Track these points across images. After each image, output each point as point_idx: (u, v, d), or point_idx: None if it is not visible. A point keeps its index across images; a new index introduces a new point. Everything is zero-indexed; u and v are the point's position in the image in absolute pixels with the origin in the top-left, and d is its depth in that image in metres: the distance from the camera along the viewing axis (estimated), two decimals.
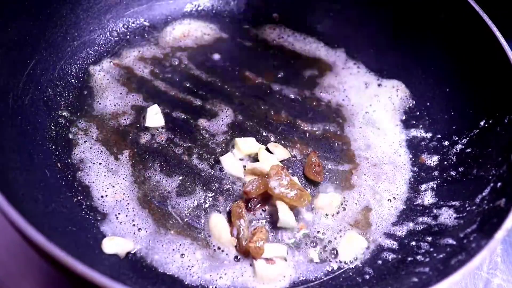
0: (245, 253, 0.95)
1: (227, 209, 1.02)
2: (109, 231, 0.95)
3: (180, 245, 0.96)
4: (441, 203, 1.04)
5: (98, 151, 1.05)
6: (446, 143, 1.12)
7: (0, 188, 0.72)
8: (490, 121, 1.04)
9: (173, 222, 0.98)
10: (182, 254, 0.95)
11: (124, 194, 1.01)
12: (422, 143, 1.16)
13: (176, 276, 0.92)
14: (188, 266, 0.93)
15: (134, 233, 0.96)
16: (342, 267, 0.98)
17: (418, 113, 1.21)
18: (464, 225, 0.94)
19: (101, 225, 0.96)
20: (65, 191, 0.98)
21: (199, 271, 0.93)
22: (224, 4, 1.37)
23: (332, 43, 1.34)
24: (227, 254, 0.96)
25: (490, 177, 0.97)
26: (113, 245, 0.92)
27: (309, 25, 1.36)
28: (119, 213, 0.98)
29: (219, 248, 0.96)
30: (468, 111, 1.11)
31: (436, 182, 1.09)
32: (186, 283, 0.92)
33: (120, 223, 0.97)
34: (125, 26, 1.27)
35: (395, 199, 1.09)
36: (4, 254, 1.00)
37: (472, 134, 1.08)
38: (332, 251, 0.99)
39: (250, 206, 1.01)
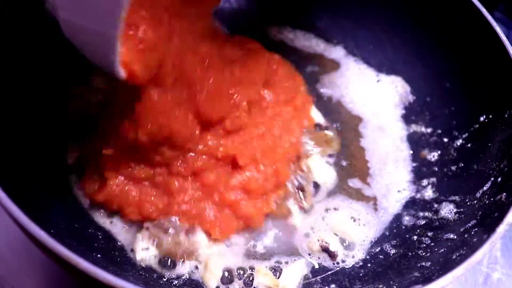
0: None
1: None
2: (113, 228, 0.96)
3: None
4: (442, 198, 1.04)
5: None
6: (447, 138, 1.13)
7: (2, 185, 0.72)
8: (490, 116, 1.04)
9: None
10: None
11: None
12: (423, 138, 1.16)
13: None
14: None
15: None
16: (343, 261, 0.98)
17: (418, 109, 1.21)
18: (465, 219, 0.95)
19: (105, 223, 0.96)
20: (68, 188, 0.98)
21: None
22: (224, 1, 1.36)
23: (331, 39, 1.34)
24: None
25: (491, 171, 0.97)
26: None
27: (309, 21, 1.36)
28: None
29: None
30: (468, 106, 1.10)
31: (436, 177, 1.09)
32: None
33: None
34: None
35: (397, 193, 1.09)
36: (6, 251, 1.00)
37: (472, 129, 1.08)
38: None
39: None
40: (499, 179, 0.95)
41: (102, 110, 1.04)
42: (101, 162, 0.94)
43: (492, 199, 0.93)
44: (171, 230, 0.93)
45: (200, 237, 0.95)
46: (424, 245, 0.96)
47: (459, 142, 1.09)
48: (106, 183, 0.93)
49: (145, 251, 0.93)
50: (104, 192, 0.93)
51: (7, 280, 0.97)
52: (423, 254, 0.94)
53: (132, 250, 0.94)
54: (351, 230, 1.02)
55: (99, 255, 0.88)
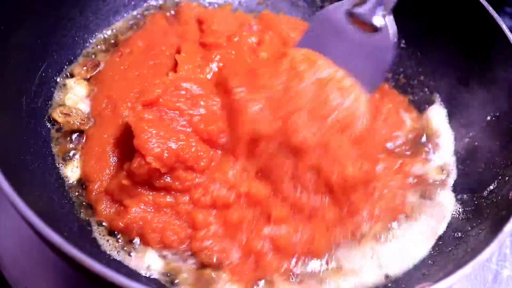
0: None
1: None
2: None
3: None
4: None
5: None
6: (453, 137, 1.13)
7: (16, 189, 0.73)
8: (498, 114, 1.04)
9: None
10: None
11: None
12: None
13: None
14: None
15: None
16: None
17: None
18: (473, 218, 0.95)
19: None
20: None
21: None
22: None
23: None
24: None
25: (498, 170, 0.98)
26: None
27: None
28: None
29: None
30: (475, 104, 1.10)
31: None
32: None
33: None
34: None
35: None
36: (19, 253, 1.01)
37: (479, 127, 1.07)
38: None
39: None
40: (507, 177, 0.95)
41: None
42: (117, 189, 0.93)
43: (499, 197, 0.93)
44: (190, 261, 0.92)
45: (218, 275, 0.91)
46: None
47: (466, 140, 1.10)
48: (126, 210, 0.92)
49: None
50: (124, 219, 0.91)
51: (21, 282, 0.98)
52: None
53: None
54: None
55: (111, 258, 0.90)
